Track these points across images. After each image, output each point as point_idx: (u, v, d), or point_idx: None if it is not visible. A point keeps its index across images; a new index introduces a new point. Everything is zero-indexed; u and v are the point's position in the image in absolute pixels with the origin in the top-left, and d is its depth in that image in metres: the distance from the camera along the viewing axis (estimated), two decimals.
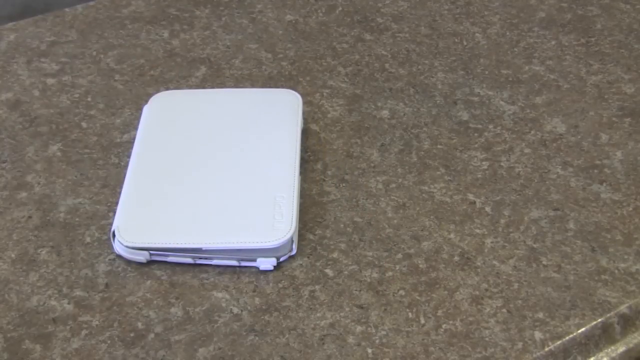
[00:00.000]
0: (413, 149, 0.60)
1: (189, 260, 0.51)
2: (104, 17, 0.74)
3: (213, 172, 0.55)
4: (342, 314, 0.49)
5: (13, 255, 0.52)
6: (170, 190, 0.54)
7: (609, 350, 0.49)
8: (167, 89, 0.66)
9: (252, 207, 0.52)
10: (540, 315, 0.49)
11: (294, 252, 0.52)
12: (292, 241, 0.51)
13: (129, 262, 0.52)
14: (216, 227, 0.51)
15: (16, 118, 0.63)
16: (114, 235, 0.51)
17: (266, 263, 0.51)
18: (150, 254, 0.51)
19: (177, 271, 0.51)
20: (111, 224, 0.54)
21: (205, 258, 0.51)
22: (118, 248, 0.51)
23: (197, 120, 0.59)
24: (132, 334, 0.48)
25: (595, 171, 0.59)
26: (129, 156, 0.59)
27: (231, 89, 0.63)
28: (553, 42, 0.72)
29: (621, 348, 0.50)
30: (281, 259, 0.51)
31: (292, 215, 0.52)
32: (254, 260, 0.51)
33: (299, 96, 0.61)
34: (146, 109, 0.60)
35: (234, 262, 0.51)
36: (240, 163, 0.55)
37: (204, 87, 0.66)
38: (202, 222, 0.51)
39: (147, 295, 0.50)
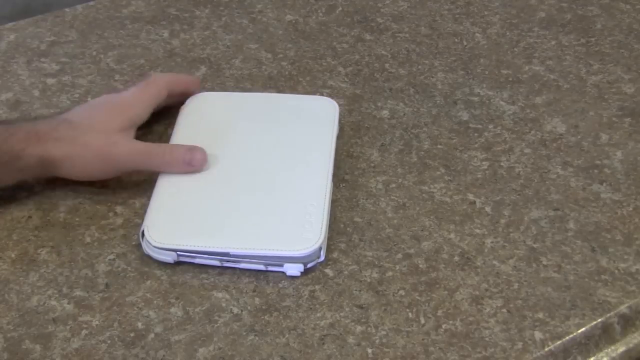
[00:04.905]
0: (413, 149, 0.60)
1: (216, 263, 0.51)
2: (104, 17, 0.74)
3: (246, 176, 0.54)
4: (342, 314, 0.49)
5: (13, 255, 0.52)
6: (202, 192, 0.53)
7: (609, 350, 0.49)
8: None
9: (283, 213, 0.52)
10: (540, 315, 0.49)
11: (322, 258, 0.51)
12: (321, 249, 0.51)
13: (129, 262, 0.52)
14: (245, 232, 0.51)
15: None
16: (142, 235, 0.51)
17: (293, 269, 0.50)
18: (178, 255, 0.51)
19: (177, 271, 0.51)
20: (141, 224, 0.53)
21: (233, 262, 0.51)
22: (146, 247, 0.51)
23: (233, 123, 0.59)
24: (132, 334, 0.48)
25: (595, 171, 0.59)
26: None
27: (268, 94, 0.63)
28: (553, 42, 0.72)
29: (621, 348, 0.50)
30: (308, 265, 0.51)
31: (322, 224, 0.51)
32: (281, 266, 0.50)
33: (335, 104, 0.60)
34: (182, 110, 0.60)
35: (261, 267, 0.51)
36: (274, 169, 0.55)
37: (203, 87, 0.66)
38: (231, 226, 0.51)
39: (147, 295, 0.50)
